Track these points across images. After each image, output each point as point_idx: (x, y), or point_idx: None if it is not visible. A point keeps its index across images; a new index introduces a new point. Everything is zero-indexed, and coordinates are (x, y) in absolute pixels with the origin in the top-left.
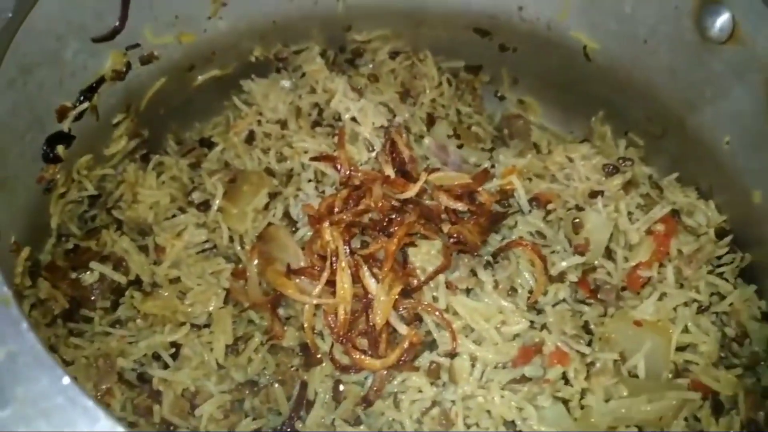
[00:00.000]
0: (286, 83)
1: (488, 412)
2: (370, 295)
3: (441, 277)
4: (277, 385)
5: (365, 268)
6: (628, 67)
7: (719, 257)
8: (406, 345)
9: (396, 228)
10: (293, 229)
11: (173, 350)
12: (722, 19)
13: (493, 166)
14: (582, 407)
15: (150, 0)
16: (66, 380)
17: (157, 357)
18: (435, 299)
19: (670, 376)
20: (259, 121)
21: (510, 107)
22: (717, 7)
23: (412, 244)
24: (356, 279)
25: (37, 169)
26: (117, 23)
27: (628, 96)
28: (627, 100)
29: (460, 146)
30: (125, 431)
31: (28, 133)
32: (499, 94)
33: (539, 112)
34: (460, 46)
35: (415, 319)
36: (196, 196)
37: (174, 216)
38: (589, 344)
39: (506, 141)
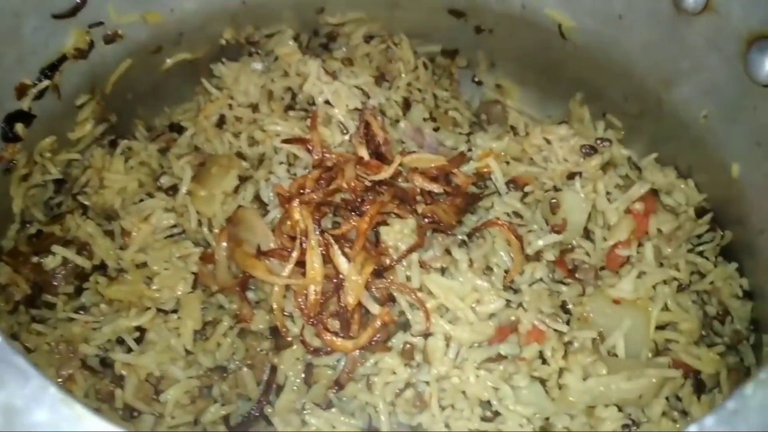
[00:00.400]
0: (257, 66)
1: (463, 392)
2: (341, 276)
3: (414, 256)
4: (246, 370)
5: (336, 247)
6: (605, 44)
7: (699, 236)
8: (378, 324)
9: (368, 207)
10: (264, 211)
11: (138, 334)
12: None
13: (470, 150)
14: (560, 387)
15: None
16: None
17: (121, 341)
18: (408, 279)
19: (650, 355)
20: (230, 105)
21: (487, 92)
22: None
23: (385, 223)
24: (327, 259)
25: None
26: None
27: (605, 75)
28: (604, 80)
29: (436, 129)
30: (56, 390)
31: None
32: (476, 79)
33: (517, 96)
34: (436, 29)
35: (388, 299)
36: (165, 181)
37: (141, 201)
38: (567, 324)
39: (484, 126)
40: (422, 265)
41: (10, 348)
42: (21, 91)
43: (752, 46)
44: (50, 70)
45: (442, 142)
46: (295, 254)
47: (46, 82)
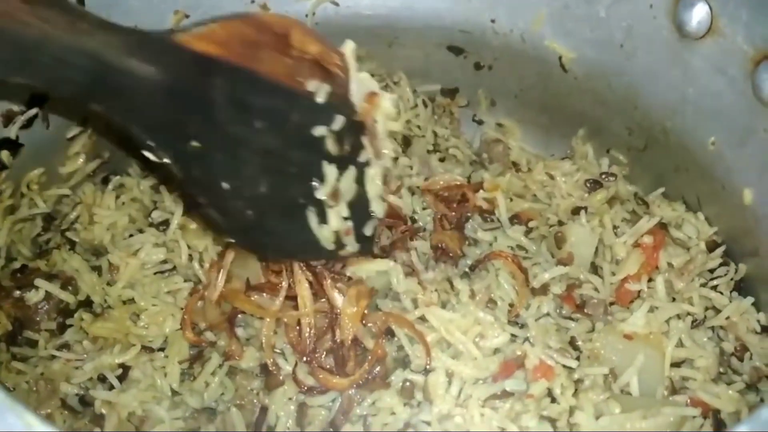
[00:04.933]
0: None
1: None
2: (336, 310)
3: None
4: (234, 410)
5: (329, 281)
6: (606, 74)
7: (712, 270)
8: (370, 358)
9: None
10: None
11: (121, 372)
12: (699, 13)
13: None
14: (570, 426)
15: (107, 7)
16: None
17: (103, 379)
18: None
19: (666, 393)
20: None
21: (488, 131)
22: (693, 0)
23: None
24: (320, 294)
25: None
26: None
27: (607, 107)
28: (607, 113)
29: (442, 159)
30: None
31: None
32: (477, 118)
33: (518, 135)
34: (435, 67)
35: (385, 334)
36: (156, 216)
37: (131, 236)
38: (577, 360)
39: (485, 165)
40: (420, 284)
41: None
42: (8, 118)
43: (759, 66)
44: (40, 98)
45: (450, 172)
46: (284, 284)
47: (34, 110)
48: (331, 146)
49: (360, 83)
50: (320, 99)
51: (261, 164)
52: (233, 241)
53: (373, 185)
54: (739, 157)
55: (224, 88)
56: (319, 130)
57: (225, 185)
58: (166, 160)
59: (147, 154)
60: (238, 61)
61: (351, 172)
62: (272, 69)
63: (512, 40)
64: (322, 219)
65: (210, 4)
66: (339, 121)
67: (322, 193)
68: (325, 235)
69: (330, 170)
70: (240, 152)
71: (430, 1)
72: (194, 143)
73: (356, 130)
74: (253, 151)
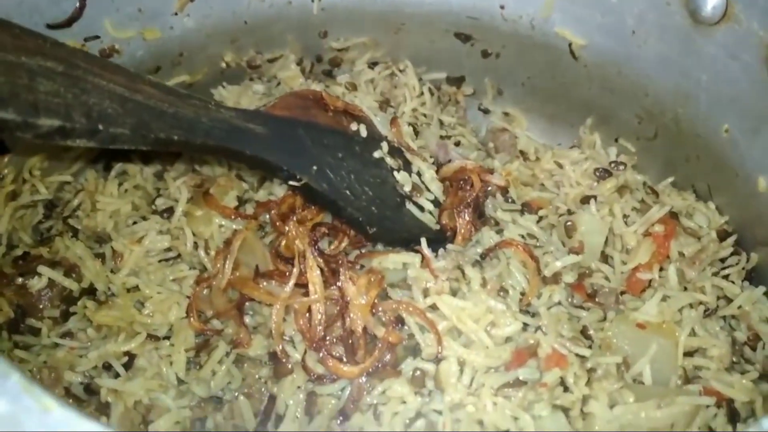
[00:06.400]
0: (259, 88)
1: (480, 422)
2: (346, 298)
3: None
4: (242, 399)
5: (342, 269)
6: (617, 61)
7: (723, 259)
8: (380, 345)
9: None
10: (262, 233)
11: (126, 360)
12: None
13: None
14: (584, 416)
15: None
16: None
17: (108, 368)
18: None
19: (680, 382)
20: None
21: (495, 120)
22: None
23: None
24: (330, 282)
25: None
26: (74, 10)
27: (617, 96)
28: (617, 101)
29: (457, 143)
30: (20, 378)
31: None
32: (483, 107)
33: (525, 124)
34: (441, 54)
35: (396, 323)
36: (160, 203)
37: (135, 224)
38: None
39: (491, 154)
40: (432, 273)
41: None
42: None
43: None
44: None
45: (467, 157)
46: (295, 271)
47: None
48: (391, 162)
49: (382, 120)
50: (364, 134)
51: (356, 179)
52: (374, 236)
53: (434, 183)
54: (753, 145)
55: (307, 134)
56: (377, 153)
57: (347, 192)
58: (304, 180)
59: (289, 181)
60: (303, 117)
61: (414, 176)
62: (324, 120)
63: (521, 26)
64: (420, 209)
65: None
66: (385, 146)
67: (406, 190)
68: (427, 218)
69: (401, 176)
70: (339, 172)
71: None
72: (315, 167)
73: (399, 150)
74: (347, 172)
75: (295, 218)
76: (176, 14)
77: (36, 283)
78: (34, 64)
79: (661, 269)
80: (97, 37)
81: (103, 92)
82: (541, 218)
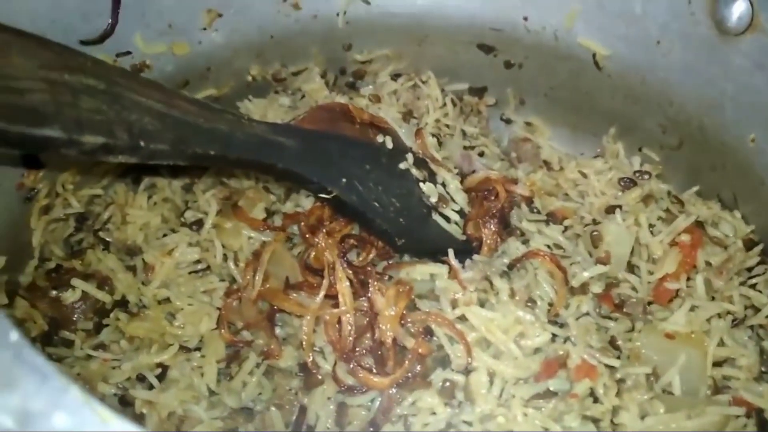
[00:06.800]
0: (284, 101)
1: None
2: (375, 309)
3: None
4: (273, 410)
5: (372, 280)
6: (642, 71)
7: (750, 269)
8: (410, 356)
9: None
10: (290, 245)
11: (159, 371)
12: (739, 8)
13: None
14: (614, 426)
15: (142, 6)
16: (14, 336)
17: (141, 379)
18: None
19: (709, 392)
20: None
21: (517, 130)
22: None
23: None
24: (359, 293)
25: (17, 175)
26: (107, 26)
27: (641, 106)
28: (641, 111)
29: (481, 154)
30: (79, 392)
31: None
32: (505, 117)
33: (547, 134)
34: (464, 65)
35: (425, 334)
36: (189, 216)
37: (165, 236)
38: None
39: (514, 164)
40: (459, 284)
41: (29, 346)
42: None
43: None
44: None
45: (491, 167)
46: (325, 282)
47: None
48: (416, 173)
49: (406, 131)
50: (390, 146)
51: (384, 191)
52: (402, 248)
53: (459, 193)
54: None
55: (335, 147)
56: (403, 165)
57: (376, 204)
58: (335, 193)
59: (319, 193)
60: (331, 130)
61: (440, 187)
62: (351, 132)
63: (544, 37)
64: (446, 220)
65: (241, 3)
66: (410, 156)
67: (432, 201)
68: (453, 228)
69: (427, 187)
70: (367, 184)
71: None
72: (344, 180)
73: (424, 161)
74: (375, 183)
75: (324, 230)
76: (204, 29)
77: (69, 296)
78: (77, 81)
79: (688, 279)
80: (129, 52)
81: (142, 109)
82: (566, 228)
